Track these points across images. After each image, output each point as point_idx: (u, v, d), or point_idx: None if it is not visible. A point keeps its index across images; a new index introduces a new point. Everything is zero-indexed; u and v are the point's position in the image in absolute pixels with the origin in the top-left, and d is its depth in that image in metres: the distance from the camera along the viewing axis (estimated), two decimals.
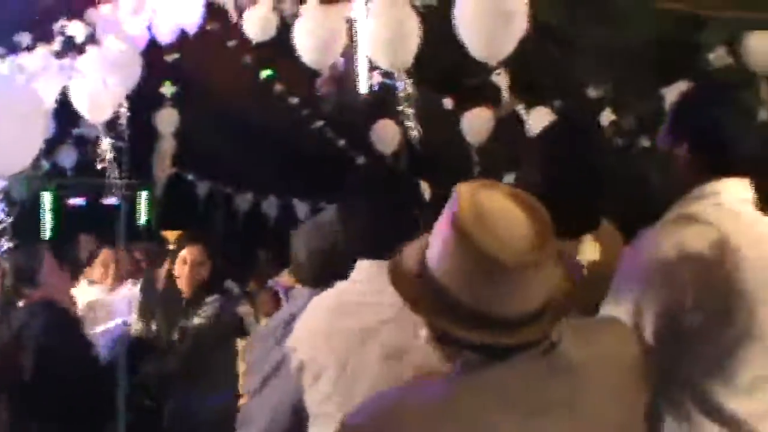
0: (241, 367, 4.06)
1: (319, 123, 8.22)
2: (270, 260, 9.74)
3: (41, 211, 9.38)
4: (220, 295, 4.43)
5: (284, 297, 8.35)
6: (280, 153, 9.30)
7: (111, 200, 6.60)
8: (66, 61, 3.94)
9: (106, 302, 5.19)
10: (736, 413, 1.80)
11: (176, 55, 5.30)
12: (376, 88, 5.83)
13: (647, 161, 6.91)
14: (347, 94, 6.04)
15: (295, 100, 7.64)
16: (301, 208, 10.82)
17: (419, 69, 4.29)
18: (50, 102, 3.86)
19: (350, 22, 4.21)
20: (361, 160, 9.14)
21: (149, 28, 4.08)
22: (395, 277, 1.49)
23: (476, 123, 6.45)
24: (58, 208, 9.64)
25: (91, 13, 4.14)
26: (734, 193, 1.99)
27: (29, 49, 4.00)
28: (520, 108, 6.51)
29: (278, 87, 7.32)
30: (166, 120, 6.77)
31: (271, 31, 4.47)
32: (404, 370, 1.80)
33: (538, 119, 6.29)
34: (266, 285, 8.17)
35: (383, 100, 6.31)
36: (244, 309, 5.99)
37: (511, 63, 4.06)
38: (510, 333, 1.36)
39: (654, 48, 7.02)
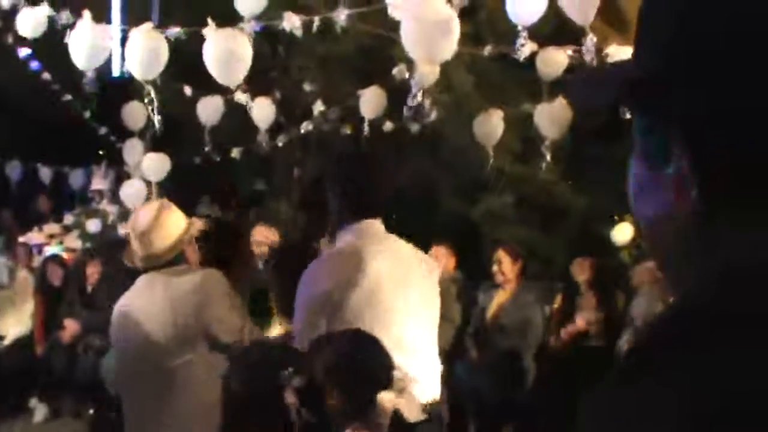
0: None
1: (68, 97, 8.91)
2: (14, 220, 10.47)
3: None
4: None
5: (36, 252, 9.25)
6: (26, 120, 9.88)
7: None
8: None
9: None
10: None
11: None
12: (126, 74, 6.77)
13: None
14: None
15: (47, 76, 8.39)
16: (45, 172, 11.37)
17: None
18: None
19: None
20: (103, 131, 9.98)
21: None
22: None
23: (210, 107, 7.41)
24: None
25: None
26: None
27: None
28: (247, 97, 7.38)
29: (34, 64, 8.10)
30: None
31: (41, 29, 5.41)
32: None
33: (261, 107, 7.43)
34: (19, 241, 9.00)
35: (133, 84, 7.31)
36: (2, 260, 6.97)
37: None
38: None
39: (356, 58, 8.61)
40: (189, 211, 3.53)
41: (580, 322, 6.32)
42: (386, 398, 2.40)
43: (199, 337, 3.14)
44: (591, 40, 4.63)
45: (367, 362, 2.49)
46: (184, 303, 3.14)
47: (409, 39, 4.31)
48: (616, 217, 8.21)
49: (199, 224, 3.49)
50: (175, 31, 5.18)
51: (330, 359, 2.50)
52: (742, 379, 0.55)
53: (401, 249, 3.13)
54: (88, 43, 5.06)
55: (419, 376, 3.03)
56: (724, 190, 0.64)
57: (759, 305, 0.59)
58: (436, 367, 3.20)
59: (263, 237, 4.90)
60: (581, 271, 6.60)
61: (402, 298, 3.04)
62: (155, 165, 8.02)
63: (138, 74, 5.02)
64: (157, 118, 5.89)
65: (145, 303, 3.21)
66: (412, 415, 2.44)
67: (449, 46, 4.30)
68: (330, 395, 2.42)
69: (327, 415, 2.11)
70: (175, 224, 3.29)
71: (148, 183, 8.49)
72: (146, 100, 5.55)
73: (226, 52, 4.91)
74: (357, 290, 2.92)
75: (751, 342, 0.57)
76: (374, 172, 3.16)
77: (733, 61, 0.63)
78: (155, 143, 8.22)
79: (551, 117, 6.42)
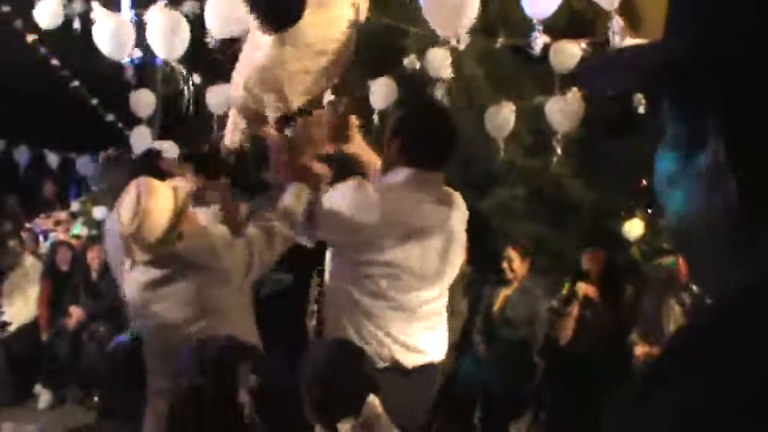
0: None
1: (76, 83, 8.88)
2: (20, 206, 10.44)
3: None
4: None
5: (42, 238, 9.22)
6: (34, 105, 9.86)
7: None
8: None
9: None
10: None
11: None
12: (136, 61, 6.77)
13: None
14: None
15: (55, 62, 8.37)
16: (52, 158, 11.34)
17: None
18: None
19: None
20: (110, 118, 9.95)
21: None
22: None
23: (218, 96, 7.25)
24: None
25: None
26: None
27: None
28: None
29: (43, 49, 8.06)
30: None
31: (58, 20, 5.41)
32: None
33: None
34: (25, 227, 8.97)
35: (143, 72, 7.31)
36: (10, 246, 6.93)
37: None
38: None
39: (365, 48, 8.54)
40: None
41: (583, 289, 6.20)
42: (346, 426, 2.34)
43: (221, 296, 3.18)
44: (617, 22, 4.54)
45: (342, 384, 2.46)
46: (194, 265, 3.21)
47: (430, 9, 4.26)
48: (622, 213, 8.13)
49: (185, 188, 3.36)
50: (188, 6, 5.11)
51: (312, 373, 2.47)
52: None
53: (454, 202, 3.18)
54: (113, 31, 5.02)
55: (426, 346, 3.09)
56: (766, 183, 0.58)
57: None
58: (444, 335, 3.24)
59: None
60: (591, 263, 6.53)
61: (434, 258, 3.04)
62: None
63: (162, 54, 4.93)
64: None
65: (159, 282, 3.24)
66: None
67: (470, 15, 4.23)
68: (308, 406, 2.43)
69: (277, 418, 2.02)
70: (163, 203, 3.18)
71: None
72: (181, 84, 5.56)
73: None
74: (396, 234, 2.94)
75: None
76: (437, 122, 3.17)
77: None
78: (163, 131, 8.17)
79: (563, 110, 6.35)
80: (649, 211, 7.97)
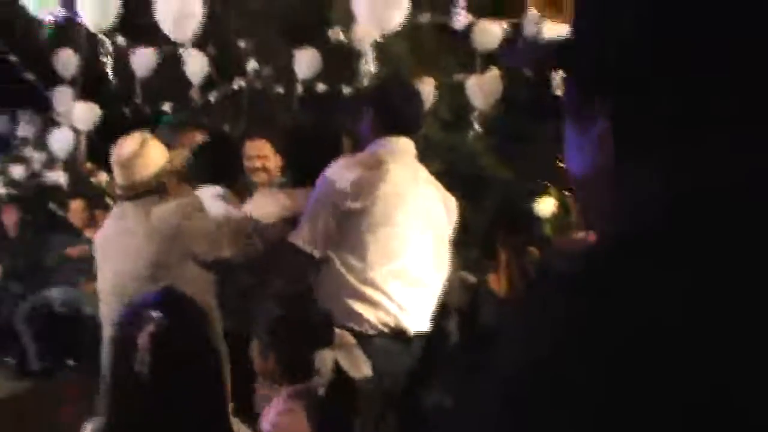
0: None
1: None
2: None
3: None
4: None
5: None
6: None
7: None
8: None
9: None
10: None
11: None
12: (60, 21, 6.68)
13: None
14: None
15: None
16: None
17: None
18: None
19: None
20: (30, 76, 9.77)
21: None
22: None
23: (142, 59, 7.29)
24: None
25: None
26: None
27: None
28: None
29: None
30: None
31: None
32: None
33: (194, 61, 7.38)
34: None
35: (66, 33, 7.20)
36: None
37: None
38: None
39: (290, 18, 8.60)
40: None
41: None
42: (326, 355, 2.35)
43: (181, 261, 3.19)
44: (534, 13, 4.79)
45: (304, 321, 2.44)
46: (159, 229, 3.19)
47: (360, 6, 4.47)
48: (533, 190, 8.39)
49: (183, 155, 3.53)
50: None
51: (268, 318, 2.46)
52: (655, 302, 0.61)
53: (424, 174, 3.29)
54: None
55: (412, 306, 3.14)
56: (634, 142, 0.73)
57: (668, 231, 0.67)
58: (432, 300, 3.30)
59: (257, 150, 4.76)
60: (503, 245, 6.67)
61: (414, 219, 3.13)
62: (85, 114, 7.94)
63: (91, 25, 4.93)
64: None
65: (121, 233, 3.27)
66: (357, 371, 2.42)
67: (400, 14, 4.47)
68: (264, 358, 2.41)
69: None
70: (159, 154, 3.34)
71: (77, 132, 8.39)
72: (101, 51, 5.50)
73: (179, 8, 4.87)
74: (378, 201, 3.02)
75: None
76: (406, 93, 3.34)
77: (643, 32, 0.72)
78: (85, 92, 8.10)
79: (482, 88, 6.55)
80: (566, 192, 8.24)
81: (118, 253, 3.28)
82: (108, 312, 3.23)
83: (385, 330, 3.06)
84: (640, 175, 0.73)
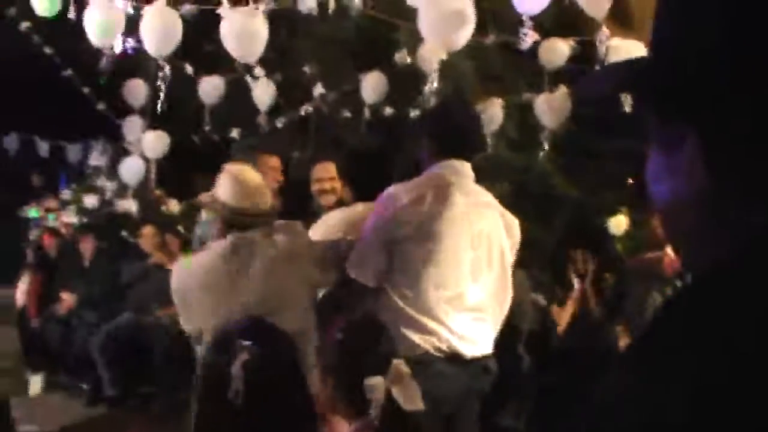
0: None
1: (69, 72, 8.89)
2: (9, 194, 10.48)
3: None
4: None
5: (33, 226, 9.26)
6: (25, 94, 9.86)
7: None
8: None
9: None
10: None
11: None
12: (130, 51, 6.79)
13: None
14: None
15: (49, 50, 8.37)
16: (42, 145, 11.34)
17: None
18: None
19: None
20: (102, 107, 9.97)
21: None
22: None
23: (210, 87, 7.40)
24: None
25: None
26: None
27: None
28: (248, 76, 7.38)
29: (36, 38, 8.07)
30: None
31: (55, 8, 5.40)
32: None
33: (263, 88, 7.49)
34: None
35: (136, 63, 7.33)
36: None
37: None
38: None
39: (356, 42, 8.61)
40: (186, 189, 3.51)
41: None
42: (378, 384, 2.29)
43: (297, 287, 3.20)
44: (604, 32, 4.72)
45: (370, 348, 2.41)
46: (285, 254, 3.21)
47: (426, 26, 4.42)
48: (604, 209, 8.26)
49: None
50: (187, 8, 5.17)
51: (325, 347, 2.45)
52: None
53: (485, 196, 3.27)
54: (102, 19, 5.03)
55: (468, 332, 3.13)
56: (728, 168, 0.69)
57: None
58: (492, 325, 3.29)
59: (326, 173, 4.75)
60: (585, 263, 6.53)
61: (471, 245, 3.11)
62: (154, 142, 8.06)
63: (152, 51, 5.00)
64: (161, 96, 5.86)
65: (236, 263, 3.18)
66: (410, 404, 2.35)
67: (466, 33, 4.42)
68: (325, 384, 2.37)
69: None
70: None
71: (147, 160, 8.52)
72: (159, 77, 5.58)
73: (244, 31, 4.91)
74: (432, 227, 3.01)
75: None
76: (464, 116, 3.36)
77: (736, 64, 0.67)
78: (154, 121, 8.22)
79: (551, 107, 6.46)
80: (635, 209, 8.08)
81: (233, 283, 3.17)
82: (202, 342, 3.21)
83: (440, 355, 3.05)
84: (741, 202, 0.68)
